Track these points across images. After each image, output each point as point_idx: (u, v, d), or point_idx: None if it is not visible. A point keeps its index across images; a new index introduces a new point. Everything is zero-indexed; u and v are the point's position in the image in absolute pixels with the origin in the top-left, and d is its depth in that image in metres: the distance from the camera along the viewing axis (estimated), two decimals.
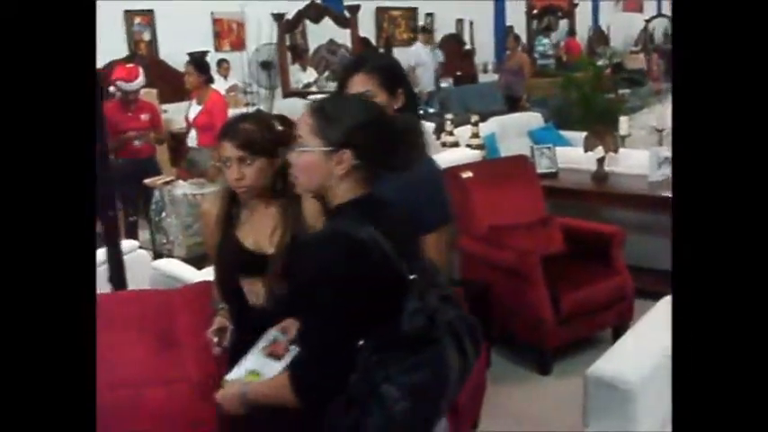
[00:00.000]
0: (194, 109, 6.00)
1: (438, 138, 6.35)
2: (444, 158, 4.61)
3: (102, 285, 3.23)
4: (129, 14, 10.27)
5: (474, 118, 6.23)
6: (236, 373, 1.98)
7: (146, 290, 2.88)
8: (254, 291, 2.18)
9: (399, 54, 10.14)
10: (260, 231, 2.19)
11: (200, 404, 2.37)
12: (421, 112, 7.87)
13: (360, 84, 2.20)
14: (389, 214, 1.78)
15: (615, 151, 5.22)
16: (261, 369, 1.96)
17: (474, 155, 5.50)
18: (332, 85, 9.97)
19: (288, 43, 10.45)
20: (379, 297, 1.68)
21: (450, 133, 6.32)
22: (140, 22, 10.45)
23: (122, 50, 9.90)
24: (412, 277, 1.69)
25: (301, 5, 9.57)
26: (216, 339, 2.20)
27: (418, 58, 11.33)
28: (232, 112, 6.68)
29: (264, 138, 2.15)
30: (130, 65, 6.22)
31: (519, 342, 4.19)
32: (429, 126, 6.25)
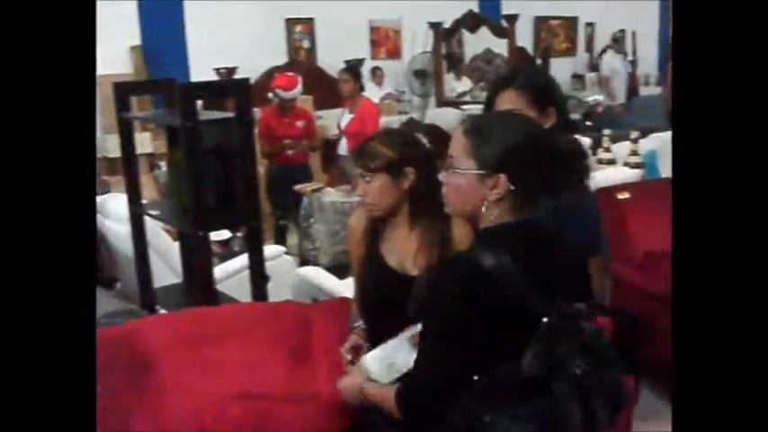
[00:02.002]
0: (346, 117, 6.07)
1: (594, 154, 6.09)
2: (600, 177, 4.40)
3: (247, 290, 3.28)
4: (291, 22, 10.56)
5: (634, 134, 5.91)
6: (372, 359, 1.98)
7: (285, 303, 2.89)
8: None
9: (555, 65, 9.88)
10: (404, 251, 2.13)
11: (330, 424, 2.33)
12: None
13: (508, 101, 2.10)
14: (543, 245, 1.65)
15: None
16: (400, 356, 1.94)
17: (632, 174, 5.24)
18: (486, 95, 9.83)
19: (443, 52, 10.41)
20: (500, 333, 1.57)
21: (608, 150, 6.04)
22: (301, 30, 10.72)
23: (282, 57, 10.20)
24: (544, 320, 1.55)
25: (459, 14, 9.50)
26: (349, 357, 2.15)
27: (612, 68, 11.01)
28: (385, 120, 6.72)
29: (384, 156, 2.08)
30: (290, 73, 6.36)
31: (671, 378, 3.90)
32: (585, 142, 6.00)
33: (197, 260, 2.73)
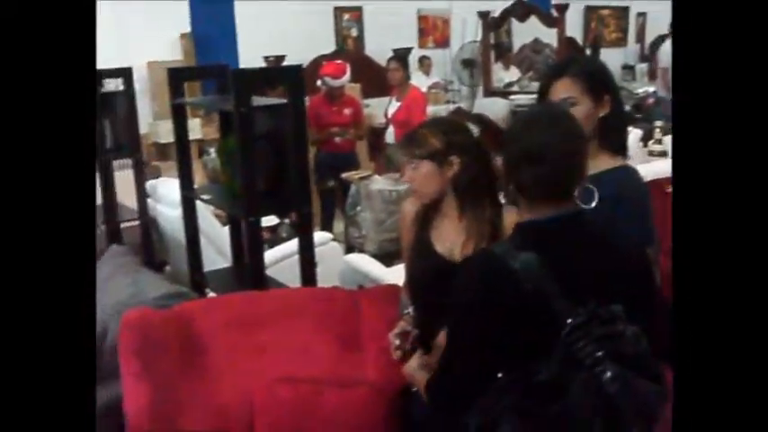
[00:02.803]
0: (394, 105, 6.07)
1: (645, 146, 6.00)
2: (650, 169, 4.32)
3: (295, 276, 3.30)
4: (339, 11, 10.58)
5: None
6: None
7: (334, 288, 2.90)
8: None
9: (605, 56, 9.73)
10: (453, 239, 2.12)
11: (377, 410, 2.34)
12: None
13: (563, 90, 2.07)
14: (581, 241, 1.62)
15: None
16: None
17: None
18: (534, 86, 9.75)
19: (492, 41, 10.34)
20: (521, 332, 1.55)
21: (659, 142, 5.95)
22: (349, 19, 10.74)
23: (330, 45, 10.22)
24: (569, 321, 1.51)
25: (508, 3, 9.42)
26: (397, 342, 2.16)
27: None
28: (432, 109, 6.70)
29: (430, 144, 2.08)
30: (339, 61, 6.37)
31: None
32: (636, 133, 5.91)
33: (248, 245, 2.76)
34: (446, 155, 2.08)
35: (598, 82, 2.10)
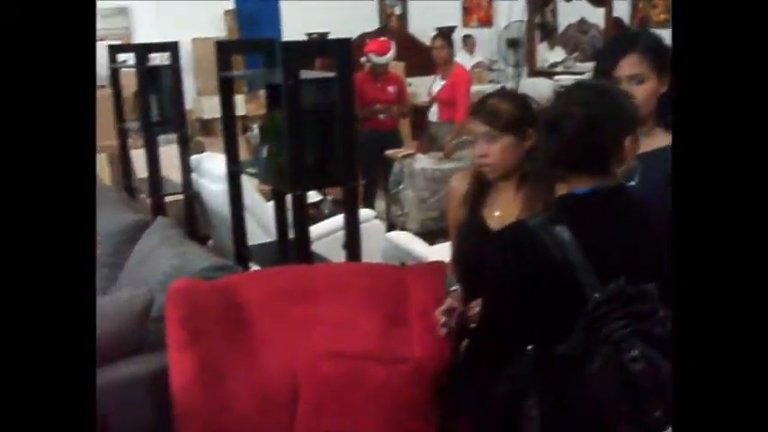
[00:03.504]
0: (438, 83, 6.02)
1: None
2: None
3: (336, 253, 3.29)
4: None
5: None
6: None
7: (380, 264, 2.89)
8: None
9: None
10: (507, 215, 2.09)
11: (422, 387, 2.32)
12: None
13: (630, 66, 1.99)
14: (619, 216, 1.59)
15: None
16: None
17: None
18: (579, 66, 9.61)
19: (537, 21, 10.19)
20: (548, 305, 1.54)
21: None
22: None
23: (373, 23, 10.16)
24: (595, 296, 1.49)
25: None
26: (444, 320, 2.13)
27: None
28: (476, 89, 6.63)
29: (512, 115, 2.05)
30: (383, 38, 6.34)
31: None
32: None
33: (294, 219, 2.75)
34: (524, 126, 2.04)
35: (664, 59, 2.03)
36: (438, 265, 2.48)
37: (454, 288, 2.23)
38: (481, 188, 2.16)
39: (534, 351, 1.57)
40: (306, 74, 2.70)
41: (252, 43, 4.47)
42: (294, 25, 8.64)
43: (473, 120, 2.09)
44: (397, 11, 10.75)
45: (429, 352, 2.33)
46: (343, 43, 2.68)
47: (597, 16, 9.69)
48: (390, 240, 4.03)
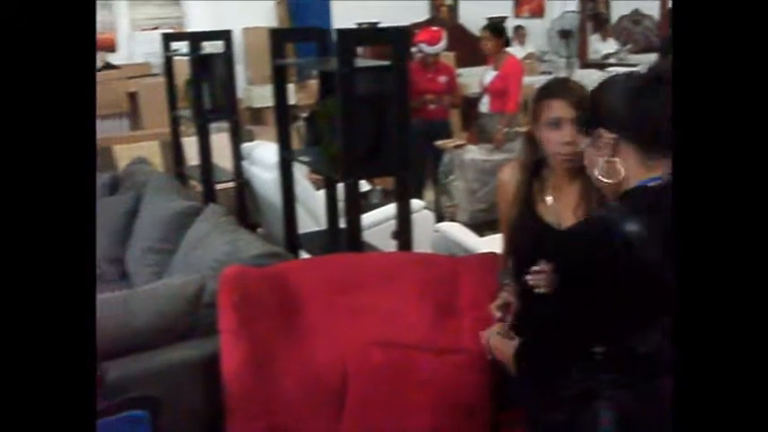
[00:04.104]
0: (489, 74, 5.97)
1: None
2: None
3: (385, 242, 3.28)
4: None
5: None
6: None
7: (432, 254, 2.87)
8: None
9: None
10: (563, 207, 2.04)
11: (472, 378, 2.30)
12: None
13: None
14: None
15: None
16: None
17: None
18: (633, 58, 9.44)
19: (590, 12, 10.04)
20: (626, 302, 1.47)
21: None
22: None
23: (424, 13, 10.12)
24: None
25: None
26: (499, 315, 2.10)
27: None
28: (527, 80, 6.56)
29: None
30: (435, 28, 6.30)
31: None
32: None
33: (346, 207, 2.74)
34: None
35: None
36: (491, 256, 2.45)
37: (507, 281, 2.19)
38: (532, 180, 2.11)
39: (604, 351, 1.52)
40: (361, 62, 2.69)
41: (305, 31, 4.47)
42: (344, 16, 8.63)
43: (557, 102, 1.98)
44: (448, 1, 10.68)
45: (480, 344, 2.30)
46: (400, 31, 2.66)
47: (652, 8, 9.51)
48: (440, 231, 4.00)
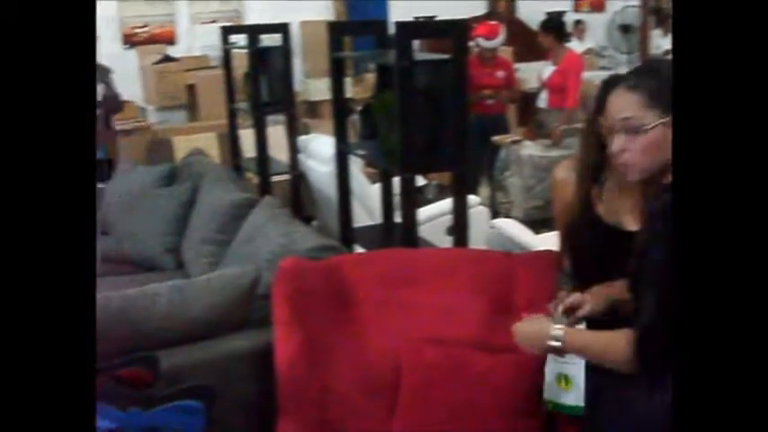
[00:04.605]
0: (548, 69, 5.88)
1: None
2: None
3: (439, 238, 3.25)
4: None
5: None
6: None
7: (488, 250, 2.82)
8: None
9: None
10: (622, 206, 1.99)
11: (527, 377, 2.26)
12: None
13: None
14: None
15: None
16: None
17: None
18: None
19: (651, 6, 9.82)
20: None
21: None
22: None
23: (481, 8, 10.03)
24: None
25: None
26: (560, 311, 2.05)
27: None
28: (586, 75, 6.44)
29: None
30: (493, 22, 6.24)
31: None
32: None
33: (402, 201, 2.72)
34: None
35: None
36: (549, 254, 2.40)
37: (566, 280, 2.15)
38: (589, 180, 2.05)
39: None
40: (420, 55, 2.66)
41: (363, 24, 4.46)
42: (401, 10, 8.60)
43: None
44: None
45: None
46: (460, 24, 2.63)
47: None
48: (496, 227, 3.95)
